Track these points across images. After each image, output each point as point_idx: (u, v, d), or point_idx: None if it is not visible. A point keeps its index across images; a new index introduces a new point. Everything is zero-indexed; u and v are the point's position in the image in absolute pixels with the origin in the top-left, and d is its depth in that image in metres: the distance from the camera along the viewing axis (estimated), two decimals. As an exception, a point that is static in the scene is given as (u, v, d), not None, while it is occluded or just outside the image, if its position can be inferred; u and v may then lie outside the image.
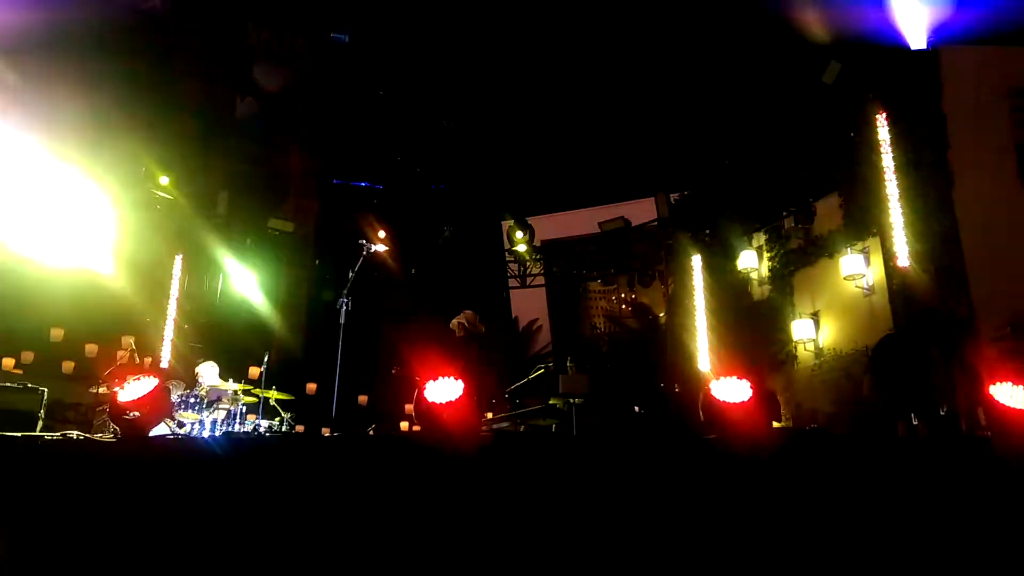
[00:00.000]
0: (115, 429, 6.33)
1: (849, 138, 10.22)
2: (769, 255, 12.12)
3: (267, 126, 12.84)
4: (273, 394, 8.57)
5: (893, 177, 9.08)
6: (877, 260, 9.90)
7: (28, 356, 10.10)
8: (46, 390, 7.97)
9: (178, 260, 11.89)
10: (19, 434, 5.55)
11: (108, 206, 10.84)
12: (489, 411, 10.19)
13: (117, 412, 5.29)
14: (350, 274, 7.73)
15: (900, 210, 8.95)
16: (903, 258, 8.79)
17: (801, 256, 11.54)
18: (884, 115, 9.29)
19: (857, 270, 10.30)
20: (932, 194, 8.94)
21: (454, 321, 8.55)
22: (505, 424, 9.10)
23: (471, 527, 4.71)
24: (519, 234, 13.33)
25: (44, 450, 5.12)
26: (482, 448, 5.31)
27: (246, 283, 12.32)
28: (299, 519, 4.71)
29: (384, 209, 13.23)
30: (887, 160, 9.17)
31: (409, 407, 10.27)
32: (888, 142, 9.20)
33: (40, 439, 5.55)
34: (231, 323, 12.32)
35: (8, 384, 7.88)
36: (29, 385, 7.85)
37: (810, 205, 11.07)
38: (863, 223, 10.29)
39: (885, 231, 9.17)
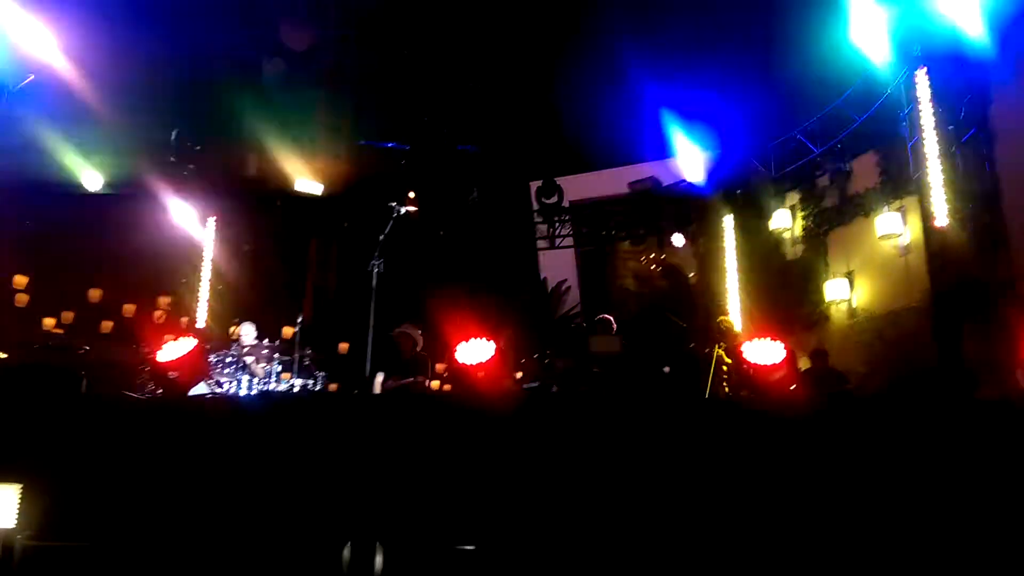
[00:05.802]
0: (156, 387, 6.49)
1: (887, 94, 9.97)
2: (803, 214, 11.95)
3: (295, 88, 12.82)
4: (308, 353, 8.71)
5: (933, 134, 8.84)
6: (914, 219, 9.73)
7: (68, 316, 10.34)
8: (88, 348, 8.18)
9: (211, 222, 12.03)
10: (64, 391, 5.72)
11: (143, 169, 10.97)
12: (519, 371, 10.27)
13: (158, 372, 5.42)
14: (381, 237, 7.76)
15: (939, 168, 8.73)
16: (941, 217, 8.60)
17: (836, 215, 11.36)
18: (924, 71, 9.03)
19: (893, 229, 10.13)
20: (973, 152, 8.71)
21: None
22: (535, 384, 9.16)
23: (501, 484, 4.78)
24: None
25: (89, 407, 5.27)
26: (513, 408, 5.37)
27: (278, 245, 12.46)
28: (334, 475, 4.82)
29: (412, 171, 13.20)
30: (927, 117, 8.93)
31: (441, 366, 10.39)
32: (927, 99, 8.95)
33: (83, 396, 5.71)
34: (264, 284, 12.49)
35: (51, 344, 8.08)
36: (72, 345, 8.05)
37: (846, 163, 10.86)
38: (900, 181, 10.09)
39: (923, 190, 8.97)
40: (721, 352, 7.98)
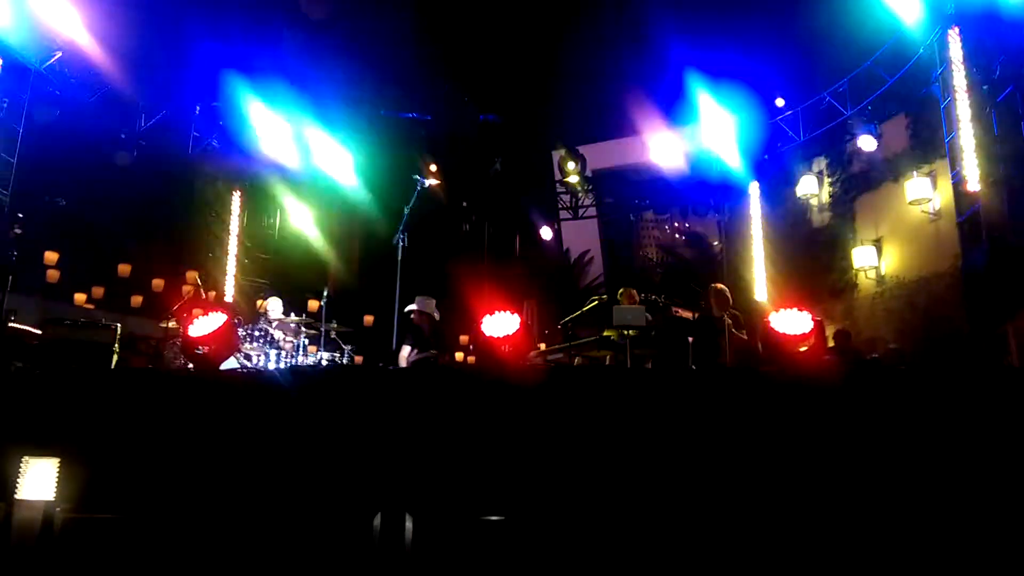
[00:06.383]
0: (186, 361, 6.58)
1: (918, 55, 9.73)
2: (830, 180, 11.78)
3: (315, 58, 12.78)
4: (334, 327, 8.77)
5: (965, 95, 8.62)
6: (945, 184, 9.54)
7: (98, 291, 10.49)
8: (119, 324, 8.29)
9: (236, 196, 12.10)
10: (97, 366, 5.84)
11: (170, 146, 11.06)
12: (542, 342, 10.29)
13: (189, 347, 5.48)
14: (405, 210, 7.78)
15: (971, 131, 8.53)
16: (973, 182, 8.42)
17: (864, 180, 11.19)
18: (957, 30, 8.78)
19: (923, 194, 9.96)
20: (1007, 113, 8.49)
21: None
22: (559, 355, 9.17)
23: (528, 455, 4.82)
24: (571, 165, 13.17)
25: (123, 382, 5.36)
26: (538, 380, 5.39)
27: (303, 218, 12.53)
28: (364, 447, 4.88)
29: (434, 142, 13.15)
30: (959, 78, 8.70)
31: (465, 338, 10.45)
32: (960, 59, 8.71)
33: (118, 371, 5.81)
34: (290, 258, 12.60)
35: (84, 319, 8.19)
36: (103, 320, 8.16)
37: (875, 127, 10.65)
38: (931, 145, 9.89)
39: (955, 153, 8.78)
40: (729, 320, 7.96)
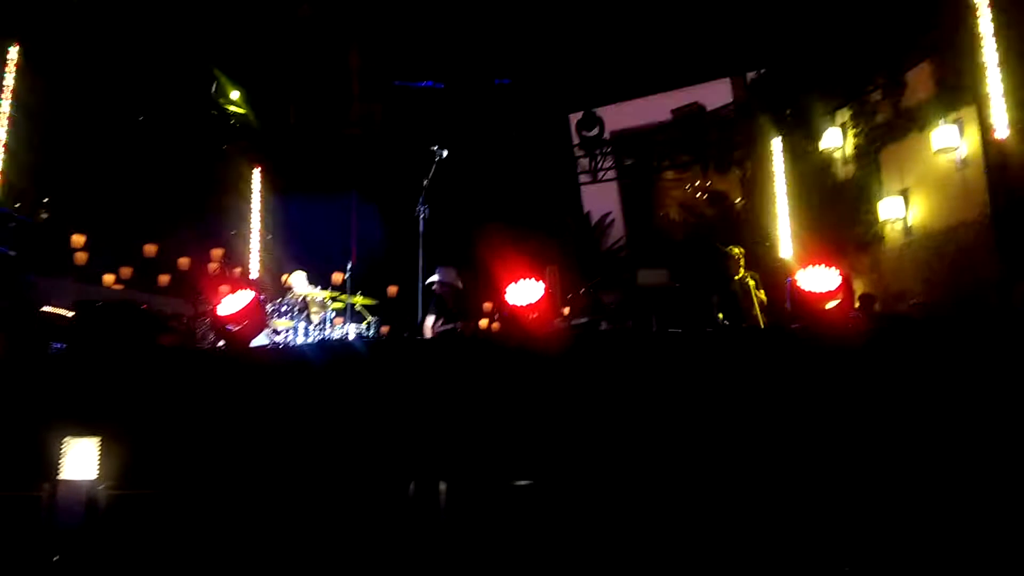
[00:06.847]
0: (217, 339, 6.67)
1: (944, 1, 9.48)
2: (854, 132, 11.56)
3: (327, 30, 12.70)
4: (359, 299, 8.83)
5: (992, 41, 8.40)
6: (972, 131, 9.33)
7: (126, 272, 10.63)
8: (148, 305, 8.42)
9: (256, 173, 12.15)
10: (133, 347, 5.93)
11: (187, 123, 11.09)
12: (566, 307, 10.29)
13: (219, 325, 5.56)
14: (424, 182, 7.77)
15: (999, 76, 8.32)
16: (1001, 129, 8.23)
17: (888, 131, 10.96)
18: (983, -28, 8.53)
19: (950, 143, 9.75)
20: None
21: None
22: (584, 320, 9.17)
23: (556, 422, 4.86)
24: (587, 127, 13.04)
25: (157, 360, 5.46)
26: (564, 347, 5.41)
27: (321, 191, 12.58)
28: (396, 418, 4.95)
29: (448, 109, 13.05)
30: (985, 22, 8.47)
31: (489, 304, 10.48)
32: (987, 3, 8.47)
33: (152, 351, 5.91)
34: (311, 232, 12.66)
35: (114, 300, 8.33)
36: (134, 300, 8.30)
37: (900, 75, 10.41)
38: (957, 91, 9.65)
39: (982, 100, 8.57)
40: (751, 281, 7.94)
